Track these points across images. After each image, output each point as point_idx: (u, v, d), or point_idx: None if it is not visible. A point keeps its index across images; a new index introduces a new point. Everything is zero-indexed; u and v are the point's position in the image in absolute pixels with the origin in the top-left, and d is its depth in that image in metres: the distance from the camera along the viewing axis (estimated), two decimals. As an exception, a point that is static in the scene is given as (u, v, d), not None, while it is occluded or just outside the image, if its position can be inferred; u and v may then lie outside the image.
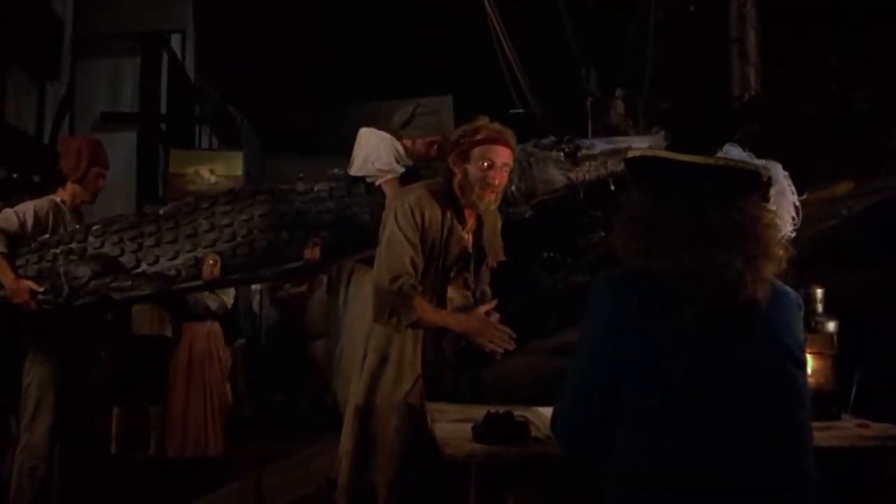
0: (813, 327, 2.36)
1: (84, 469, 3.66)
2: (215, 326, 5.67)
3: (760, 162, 2.15)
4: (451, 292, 2.77)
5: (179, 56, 11.59)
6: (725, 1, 6.91)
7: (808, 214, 3.80)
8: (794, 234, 1.97)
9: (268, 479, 4.68)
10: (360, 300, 3.49)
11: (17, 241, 3.49)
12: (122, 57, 9.98)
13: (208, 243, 3.38)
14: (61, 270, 3.36)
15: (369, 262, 3.47)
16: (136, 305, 4.54)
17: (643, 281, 1.59)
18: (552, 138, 3.53)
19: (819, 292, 2.42)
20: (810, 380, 2.32)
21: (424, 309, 2.60)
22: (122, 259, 3.40)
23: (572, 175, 3.41)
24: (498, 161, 2.66)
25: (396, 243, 2.65)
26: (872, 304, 3.04)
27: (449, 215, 2.71)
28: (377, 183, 3.37)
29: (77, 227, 3.61)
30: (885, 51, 5.08)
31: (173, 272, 3.38)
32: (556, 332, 5.07)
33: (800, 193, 2.17)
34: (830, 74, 5.74)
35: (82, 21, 9.44)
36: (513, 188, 3.33)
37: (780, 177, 2.43)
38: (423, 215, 2.67)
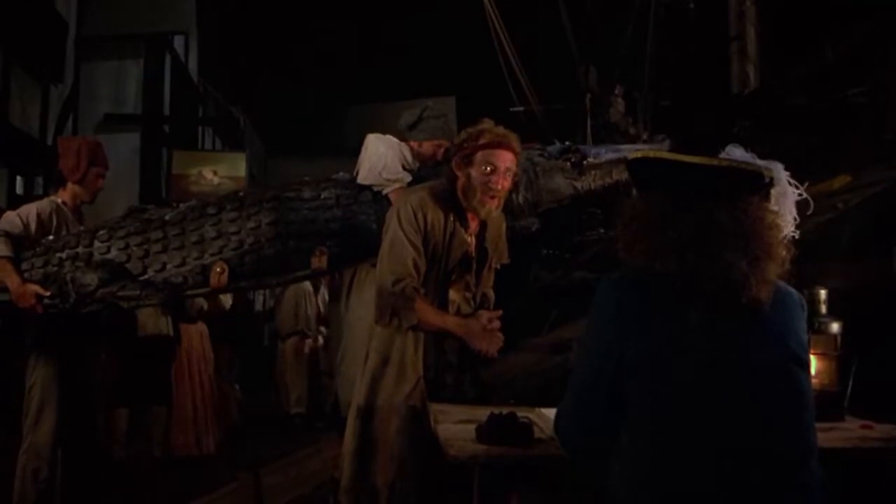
0: (817, 328, 2.36)
1: (88, 471, 3.65)
2: (204, 327, 5.83)
3: (763, 162, 2.15)
4: (453, 294, 2.77)
5: (183, 58, 11.62)
6: (724, -3, 6.93)
7: (806, 207, 3.81)
8: (797, 235, 1.97)
9: (267, 478, 4.70)
10: (362, 300, 3.50)
11: (21, 243, 3.48)
12: (126, 58, 10.01)
13: (215, 250, 3.38)
14: (68, 277, 3.35)
15: (372, 262, 3.49)
16: (139, 304, 4.55)
17: (647, 282, 1.59)
18: (558, 145, 3.52)
19: (823, 293, 2.41)
20: (814, 381, 2.32)
21: (426, 311, 2.60)
22: (129, 265, 3.39)
23: (578, 184, 3.41)
24: (501, 166, 2.65)
25: (399, 245, 2.65)
26: (869, 297, 3.03)
27: (452, 218, 2.71)
28: (385, 192, 3.37)
29: (82, 230, 3.59)
30: (880, 44, 5.08)
31: (180, 279, 3.38)
32: (556, 329, 5.07)
33: (796, 187, 2.17)
34: (827, 68, 5.74)
35: (86, 23, 9.46)
36: (519, 198, 3.32)
37: (783, 177, 2.44)
38: (425, 217, 2.67)
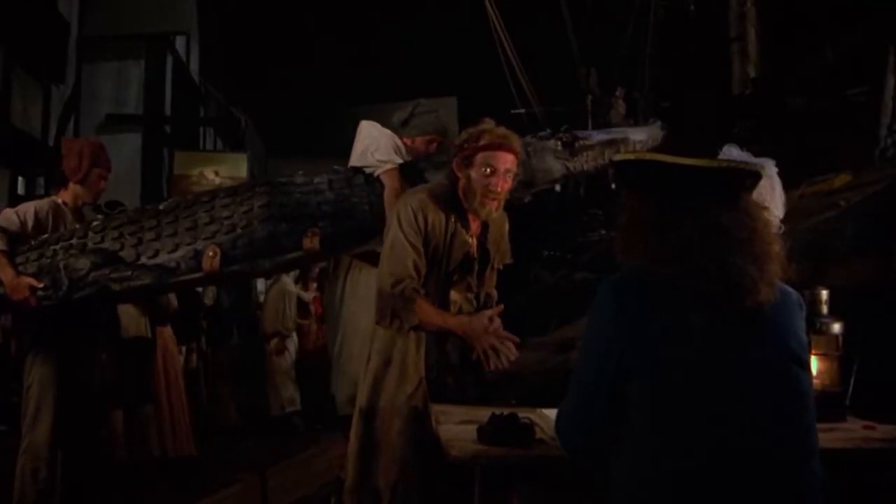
0: (818, 328, 2.36)
1: (88, 472, 3.66)
2: (170, 329, 5.85)
3: (757, 160, 2.16)
4: (455, 295, 2.76)
5: (184, 58, 11.63)
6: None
7: (806, 207, 3.82)
8: (783, 229, 1.97)
9: (272, 479, 4.69)
10: (356, 298, 3.50)
11: (18, 241, 3.49)
12: (128, 59, 10.03)
13: (208, 235, 3.37)
14: (61, 264, 3.36)
15: (365, 258, 3.49)
16: (121, 307, 4.54)
17: (648, 283, 1.59)
18: (549, 131, 3.54)
19: (824, 293, 2.41)
20: (815, 381, 2.32)
21: (426, 312, 2.60)
22: (122, 253, 3.39)
23: (570, 165, 3.42)
24: (501, 167, 2.64)
25: (399, 247, 2.64)
26: (871, 296, 3.03)
27: (453, 219, 2.70)
28: (376, 174, 3.37)
29: (77, 225, 3.61)
30: (879, 44, 5.09)
31: (173, 264, 3.38)
32: (558, 329, 5.08)
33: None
34: (827, 69, 5.75)
35: (88, 23, 9.48)
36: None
37: (773, 173, 2.45)
38: (426, 219, 2.66)
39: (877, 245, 3.31)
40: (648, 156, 1.67)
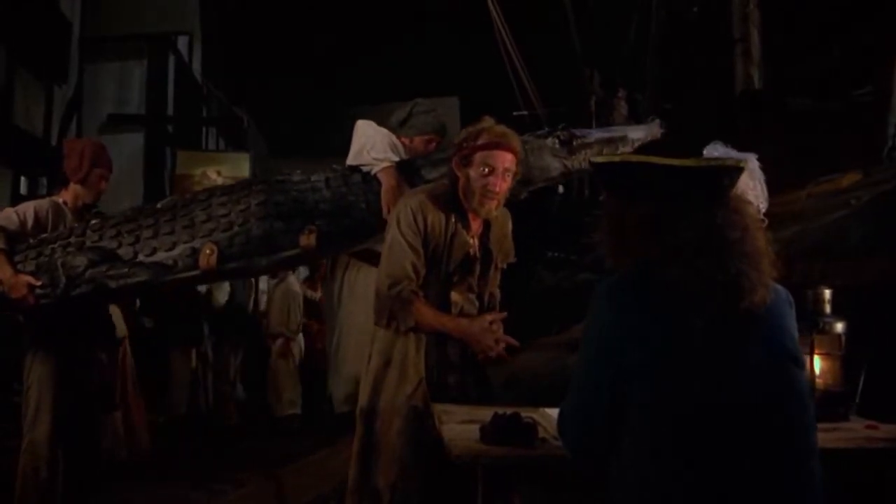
0: (821, 328, 2.35)
1: (89, 471, 3.66)
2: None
3: (740, 155, 2.15)
4: (456, 296, 2.74)
5: (186, 58, 11.65)
6: (728, 1, 6.92)
7: (817, 206, 3.81)
8: (766, 222, 1.96)
9: (287, 478, 4.67)
10: (353, 297, 3.51)
11: (17, 240, 3.50)
12: (130, 59, 10.04)
13: (205, 233, 3.37)
14: (59, 262, 3.37)
15: (363, 257, 3.49)
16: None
17: (646, 285, 1.59)
18: (546, 129, 3.53)
19: (827, 293, 2.41)
20: (818, 381, 2.32)
21: (423, 314, 2.60)
22: (120, 251, 3.39)
23: (568, 163, 3.41)
24: (499, 167, 2.62)
25: (397, 248, 2.64)
26: (880, 295, 3.03)
27: (453, 219, 2.69)
28: (373, 172, 3.37)
29: (76, 225, 3.62)
30: (885, 43, 5.09)
31: (170, 262, 3.38)
32: (562, 330, 5.07)
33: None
34: (832, 69, 5.74)
35: (90, 23, 9.49)
36: None
37: (755, 166, 2.46)
38: (425, 220, 2.66)
39: (886, 244, 3.30)
40: (635, 158, 1.66)
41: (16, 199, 7.52)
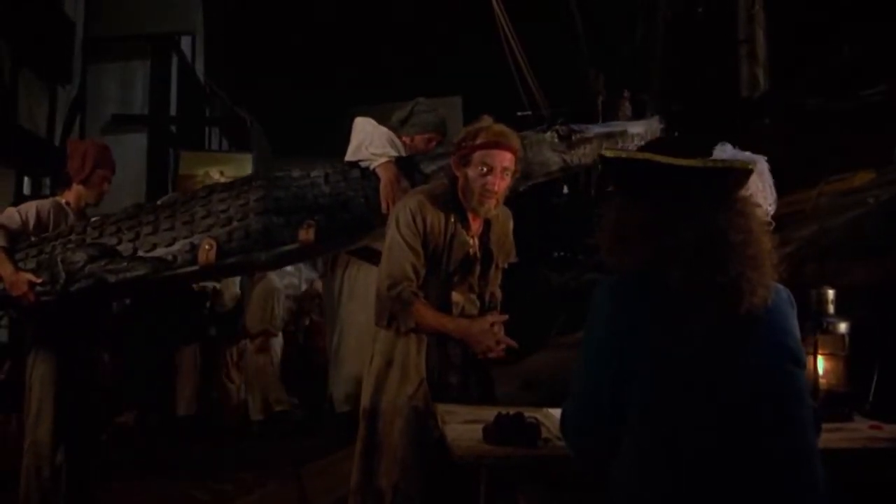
0: (825, 328, 2.35)
1: (91, 471, 3.67)
2: None
3: (748, 156, 2.14)
4: (456, 296, 2.74)
5: (189, 59, 11.66)
6: (733, 2, 6.91)
7: (833, 205, 3.79)
8: (773, 224, 1.95)
9: (308, 479, 4.65)
10: (354, 296, 3.52)
11: (19, 238, 3.52)
12: (133, 59, 10.07)
13: (204, 228, 3.38)
14: (58, 258, 3.38)
15: (363, 255, 3.49)
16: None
17: (646, 286, 1.59)
18: (546, 124, 3.53)
19: (830, 293, 2.40)
20: (822, 381, 2.32)
21: (423, 314, 2.59)
22: (120, 248, 3.42)
23: (567, 157, 3.40)
24: (498, 166, 2.62)
25: (397, 249, 2.64)
26: (891, 293, 3.00)
27: (453, 219, 2.69)
28: (372, 167, 3.38)
29: (77, 224, 3.63)
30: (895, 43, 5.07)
31: (170, 257, 3.39)
32: (566, 331, 5.06)
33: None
34: (842, 68, 5.72)
35: (93, 24, 9.52)
36: None
37: (765, 168, 2.44)
38: (424, 220, 2.65)
39: None
40: (640, 155, 1.65)
41: (19, 199, 7.53)
